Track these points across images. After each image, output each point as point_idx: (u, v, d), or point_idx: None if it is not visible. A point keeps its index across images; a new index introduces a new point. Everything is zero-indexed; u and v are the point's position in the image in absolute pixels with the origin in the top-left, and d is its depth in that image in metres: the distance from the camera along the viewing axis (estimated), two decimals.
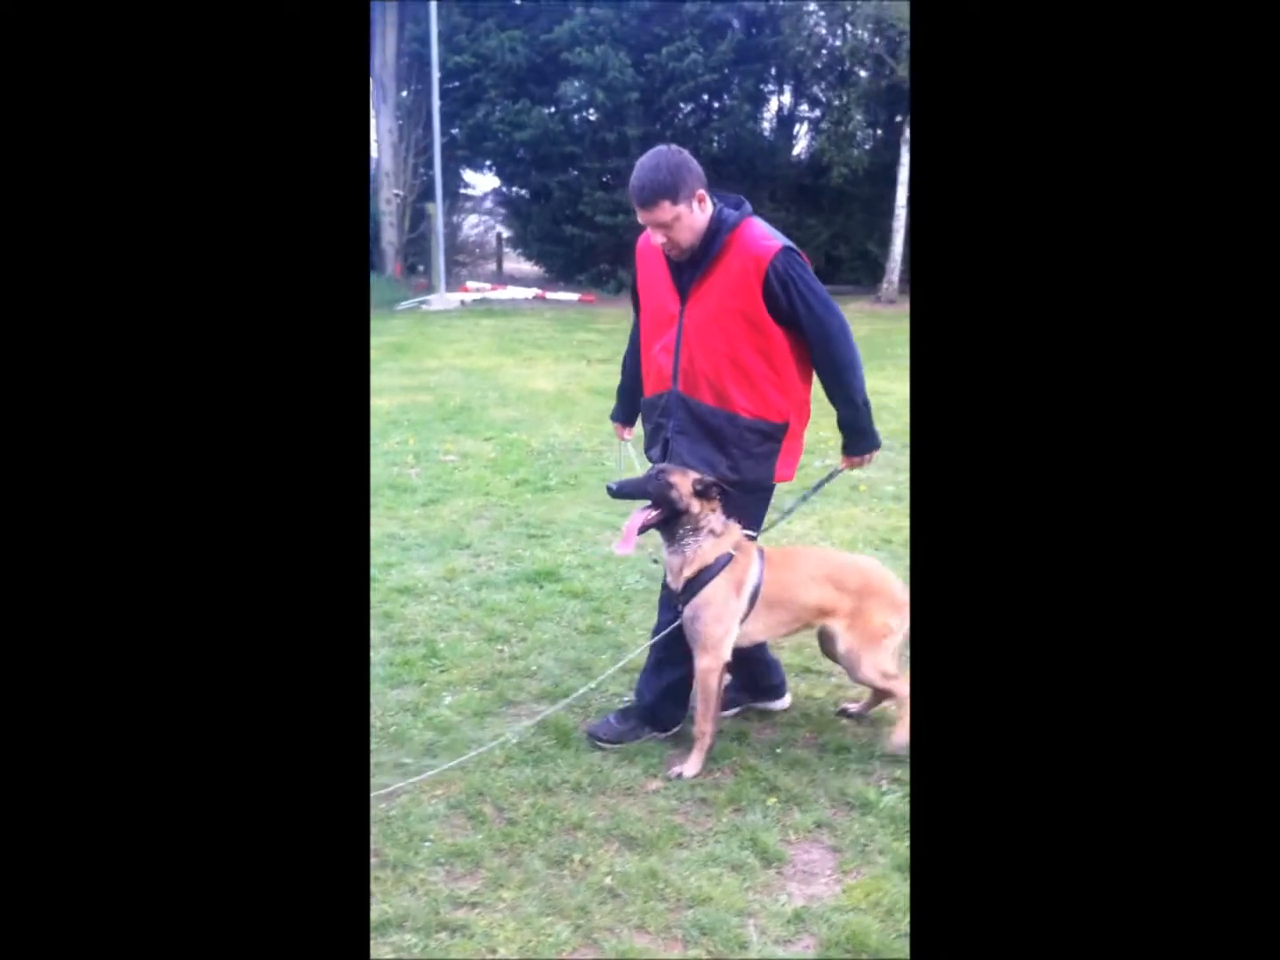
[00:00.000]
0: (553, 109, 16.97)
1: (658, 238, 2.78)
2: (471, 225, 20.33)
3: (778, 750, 2.91)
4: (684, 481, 2.79)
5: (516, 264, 19.52)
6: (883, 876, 2.33)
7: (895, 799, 2.65)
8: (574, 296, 17.02)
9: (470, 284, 17.36)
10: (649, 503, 2.81)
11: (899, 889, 2.28)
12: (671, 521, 2.82)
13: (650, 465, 2.99)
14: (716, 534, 2.83)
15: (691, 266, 2.82)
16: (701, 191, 2.74)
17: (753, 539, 2.92)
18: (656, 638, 3.00)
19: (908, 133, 16.33)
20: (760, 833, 2.49)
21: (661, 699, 3.02)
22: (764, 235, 2.76)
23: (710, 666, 2.83)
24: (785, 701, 3.24)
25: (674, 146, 2.79)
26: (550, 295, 17.07)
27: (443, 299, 15.93)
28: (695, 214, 2.74)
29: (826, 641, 3.03)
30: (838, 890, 2.30)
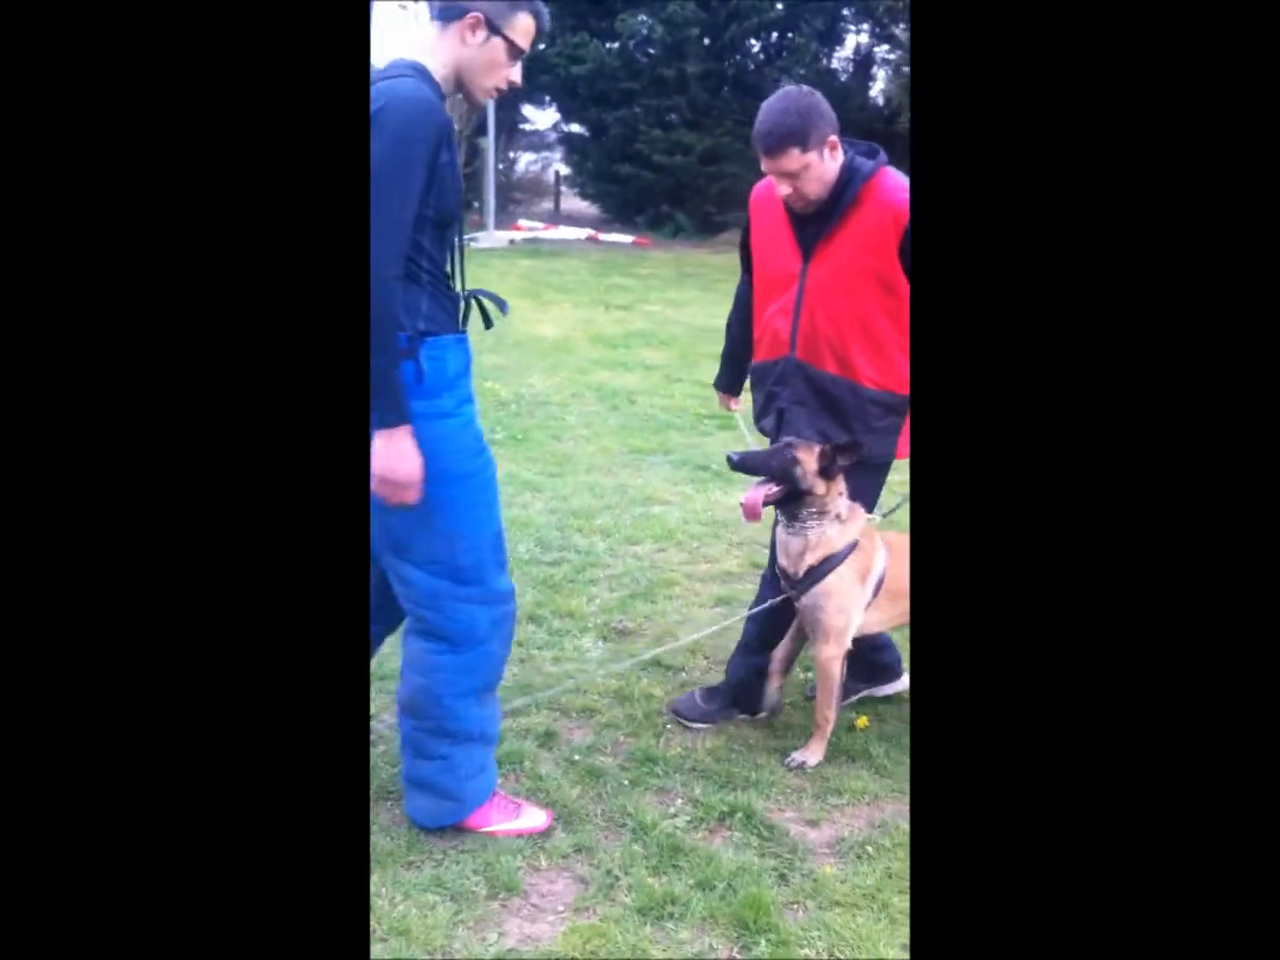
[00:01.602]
0: (615, 44, 16.42)
1: (783, 188, 2.53)
2: (530, 162, 19.95)
3: (576, 757, 2.64)
4: (810, 458, 2.57)
5: (575, 203, 19.13)
6: (616, 920, 2.06)
7: (680, 823, 2.37)
8: (628, 239, 16.60)
9: (523, 222, 17.08)
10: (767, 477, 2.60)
11: (629, 936, 2.01)
12: (793, 501, 2.61)
13: (762, 437, 2.80)
14: (842, 519, 2.62)
15: (818, 221, 2.57)
16: (834, 138, 2.50)
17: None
18: (753, 611, 2.86)
19: None
20: (505, 855, 2.23)
21: (754, 679, 2.87)
22: (903, 187, 2.51)
23: (833, 655, 2.65)
24: (903, 683, 3.06)
25: (804, 88, 2.53)
26: (604, 237, 16.68)
27: (491, 236, 15.67)
28: (826, 163, 2.50)
29: None
30: (558, 933, 2.03)
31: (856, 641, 2.73)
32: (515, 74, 2.12)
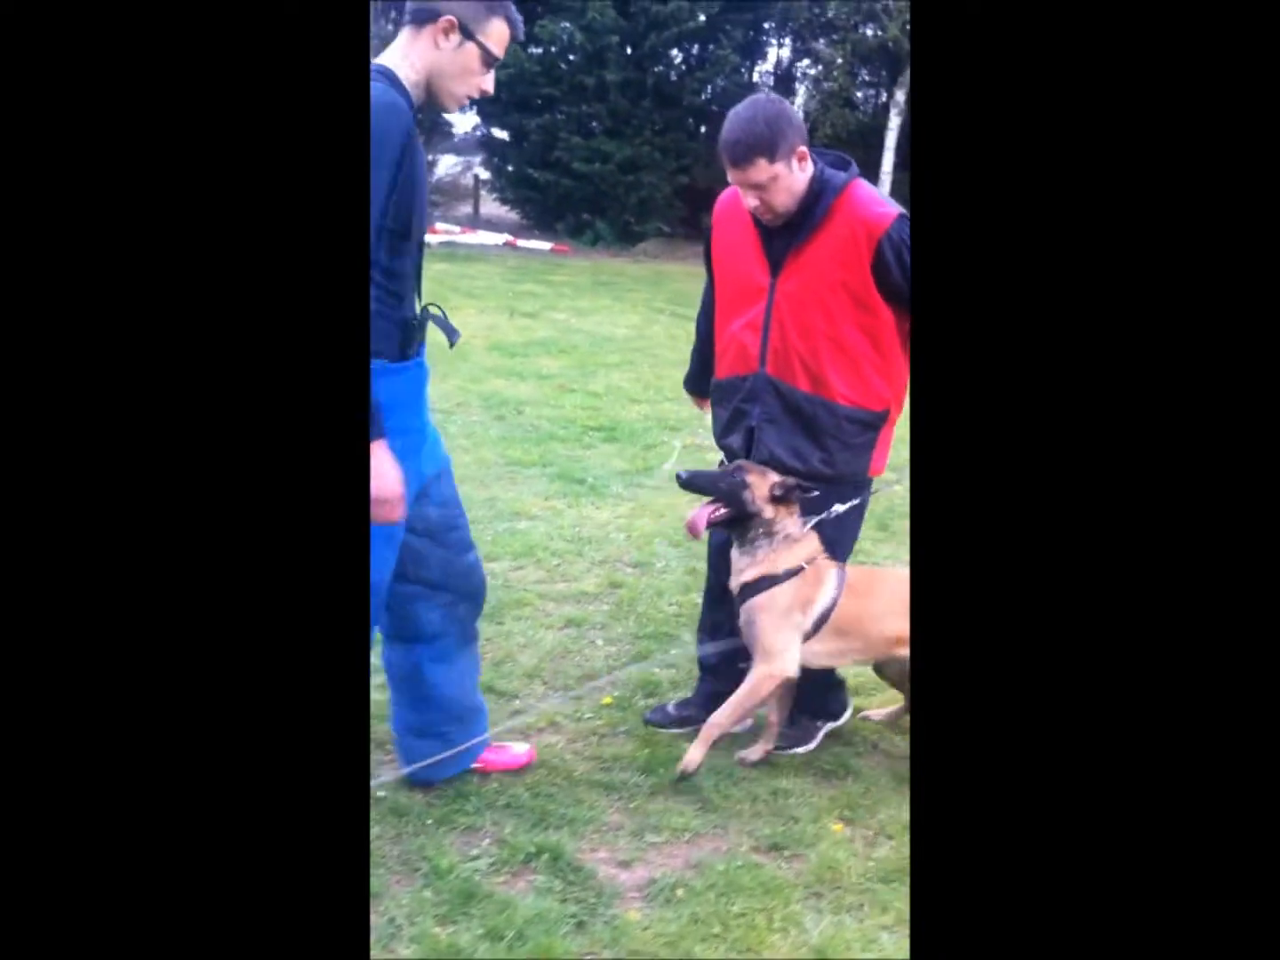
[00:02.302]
0: (538, 49, 16.26)
1: (749, 200, 2.45)
2: (450, 165, 19.68)
3: (381, 794, 2.47)
4: (761, 483, 2.53)
5: (495, 208, 18.91)
6: None
7: (480, 866, 2.23)
8: (547, 246, 16.39)
9: (440, 225, 16.77)
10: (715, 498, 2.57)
11: None
12: (741, 523, 2.56)
13: (725, 455, 2.74)
14: (794, 540, 2.57)
15: (787, 233, 2.50)
16: (803, 148, 2.43)
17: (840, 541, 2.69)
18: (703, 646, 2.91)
19: (899, 96, 15.64)
20: None
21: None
22: (876, 200, 2.47)
23: (767, 674, 2.56)
24: (847, 715, 2.99)
25: (772, 95, 2.46)
26: (522, 243, 16.44)
27: None
28: (795, 174, 2.43)
29: (889, 666, 2.81)
30: None
31: (806, 674, 2.64)
32: (487, 82, 2.05)
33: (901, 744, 2.90)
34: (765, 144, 2.35)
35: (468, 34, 1.98)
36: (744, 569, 2.59)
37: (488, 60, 2.02)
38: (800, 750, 2.82)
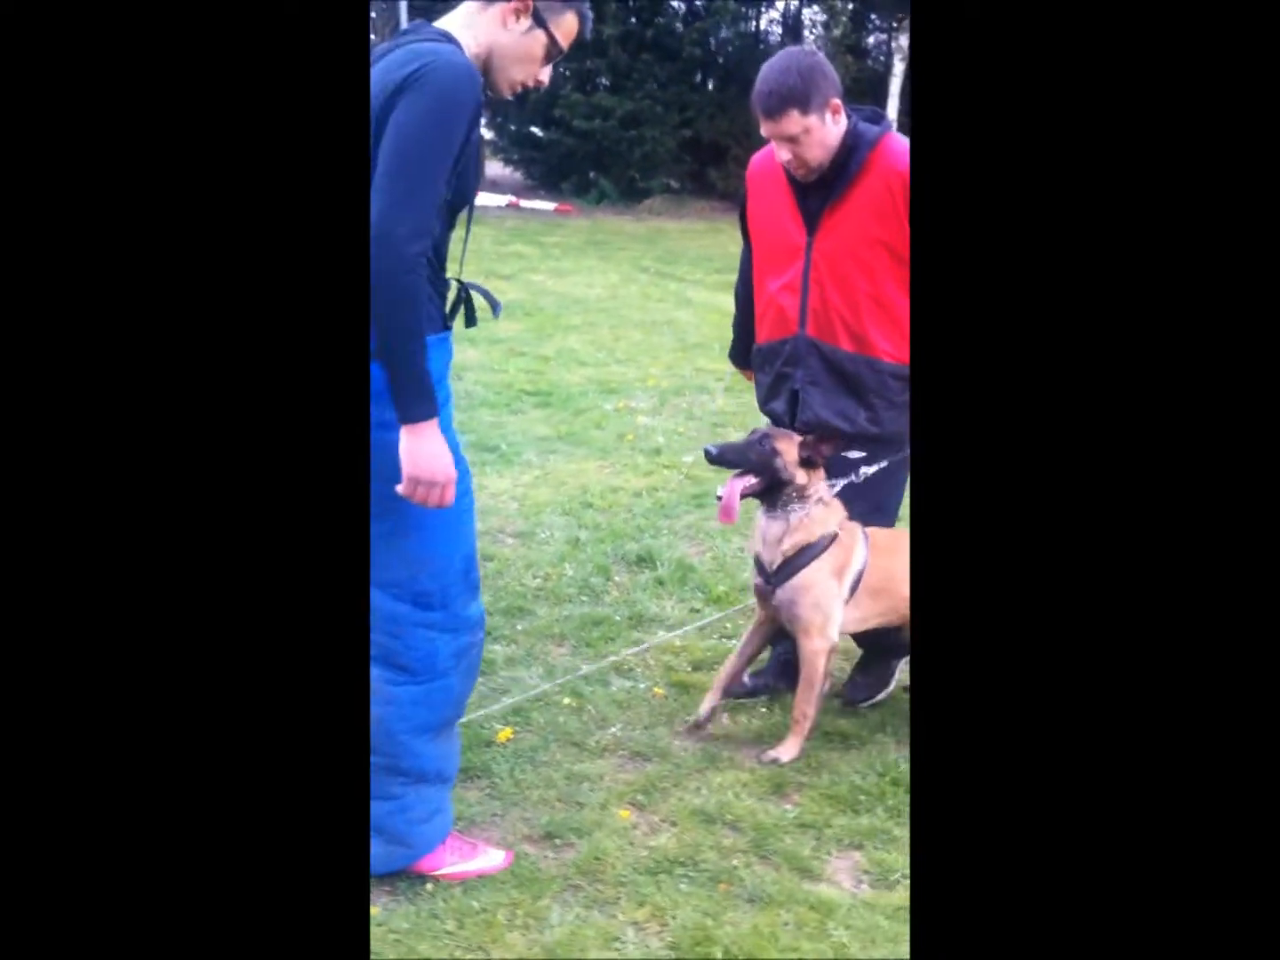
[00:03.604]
0: None
1: (782, 154, 2.43)
2: None
3: None
4: (790, 448, 2.51)
5: (500, 169, 18.68)
6: None
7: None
8: (550, 206, 16.18)
9: None
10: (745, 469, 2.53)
11: None
12: (773, 490, 2.53)
13: (770, 420, 2.72)
14: (825, 502, 2.56)
15: (821, 190, 2.47)
16: (836, 101, 2.40)
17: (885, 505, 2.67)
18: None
19: (902, 40, 15.15)
20: None
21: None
22: (909, 153, 2.39)
23: (818, 648, 2.57)
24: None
25: (806, 47, 2.42)
26: (525, 204, 16.23)
27: None
28: (828, 127, 2.40)
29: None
30: None
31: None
32: (544, 74, 1.99)
33: (728, 722, 2.77)
34: (798, 95, 2.32)
35: (540, 20, 1.89)
36: (779, 537, 2.56)
37: (552, 51, 1.94)
38: (880, 696, 2.84)
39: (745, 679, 2.90)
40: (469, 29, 1.89)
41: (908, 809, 2.41)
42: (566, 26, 1.95)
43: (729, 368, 3.23)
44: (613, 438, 5.17)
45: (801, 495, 2.54)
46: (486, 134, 18.42)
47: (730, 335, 3.03)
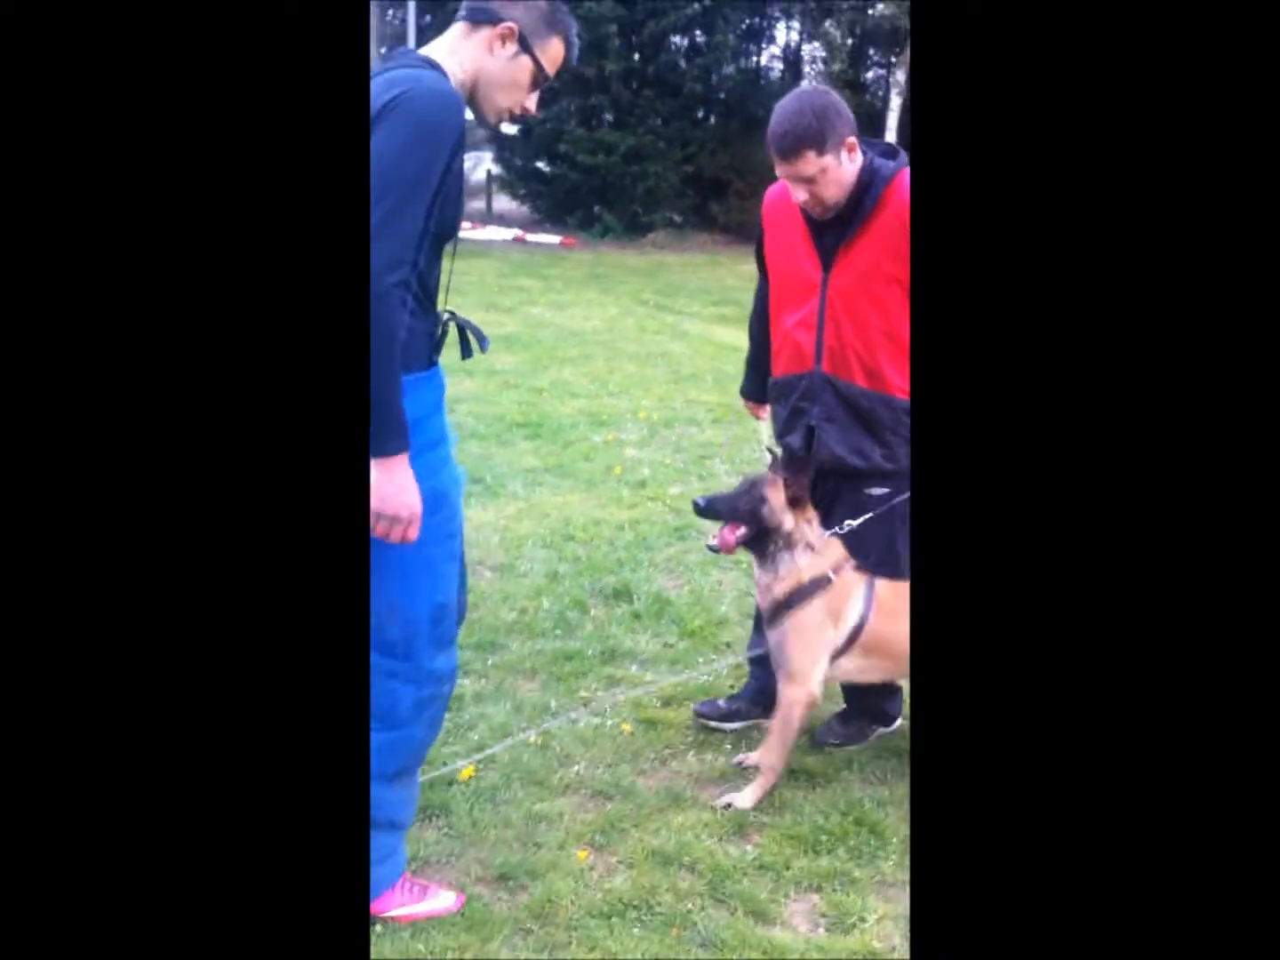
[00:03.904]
0: None
1: (799, 194, 2.43)
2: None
3: None
4: (777, 495, 2.52)
5: (508, 204, 18.84)
6: None
7: None
8: (556, 239, 16.30)
9: None
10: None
11: None
12: (762, 537, 2.53)
13: (785, 453, 2.71)
14: (814, 548, 2.53)
15: (838, 227, 2.47)
16: (852, 139, 2.39)
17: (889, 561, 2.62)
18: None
19: (899, 75, 15.26)
20: None
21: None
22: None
23: (796, 698, 2.52)
24: (899, 723, 2.94)
25: (820, 86, 2.44)
26: (531, 237, 16.35)
27: None
28: (844, 165, 2.40)
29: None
30: None
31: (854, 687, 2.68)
32: (531, 101, 1.97)
33: (694, 762, 2.73)
34: (814, 136, 2.31)
35: (525, 46, 1.88)
36: (770, 585, 2.55)
37: (538, 78, 1.93)
38: (853, 747, 2.83)
39: (720, 701, 2.91)
40: (454, 55, 1.88)
41: (870, 850, 2.38)
42: (553, 53, 1.93)
43: (737, 403, 3.24)
44: (600, 470, 5.16)
45: (789, 543, 2.52)
46: (494, 169, 18.64)
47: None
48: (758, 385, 2.92)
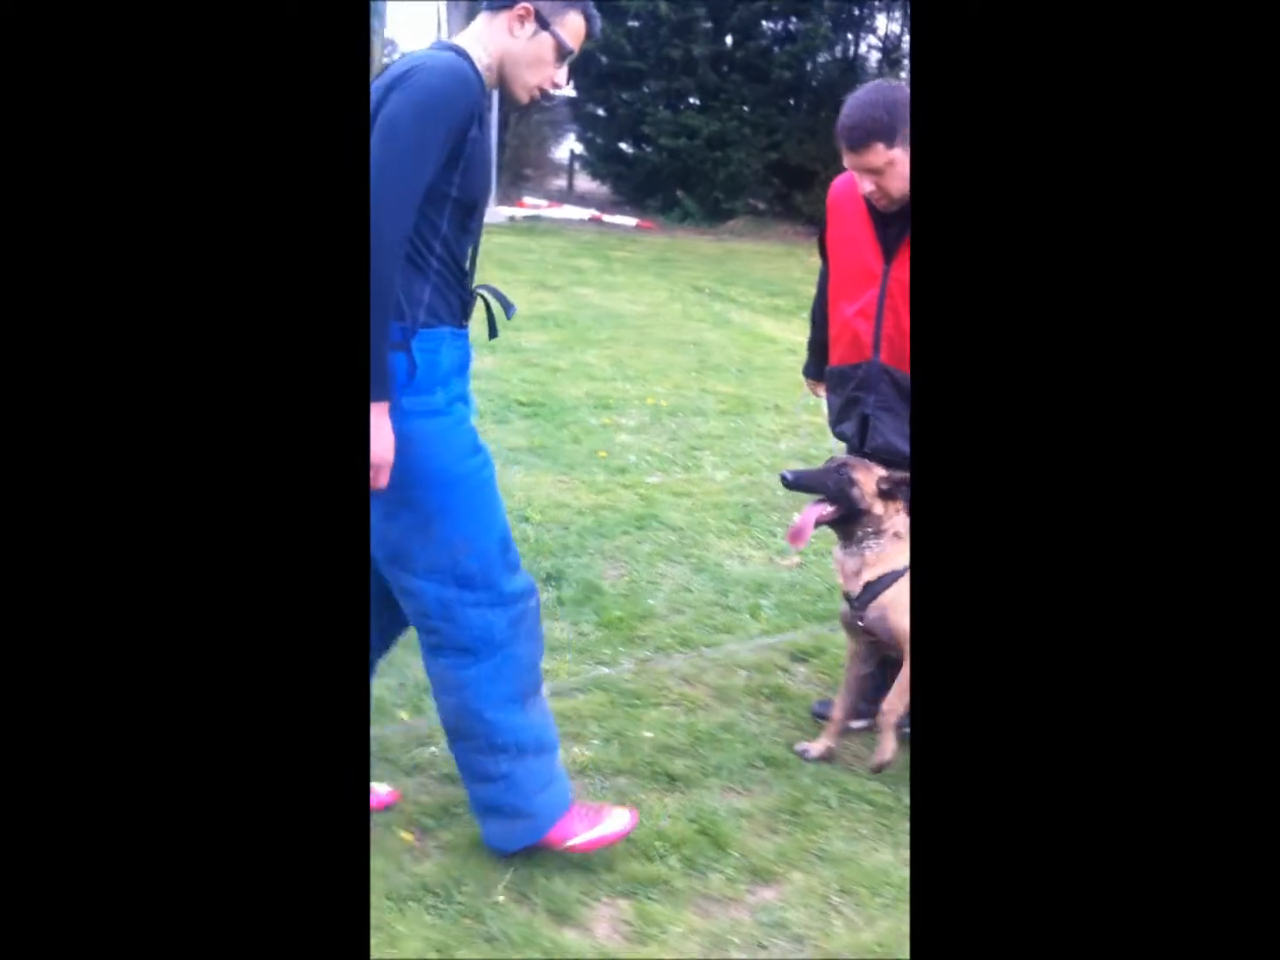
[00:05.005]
0: (636, 22, 16.05)
1: (865, 185, 2.49)
2: (545, 139, 19.69)
3: None
4: (868, 479, 2.55)
5: (590, 184, 18.84)
6: None
7: None
8: (633, 221, 16.25)
9: (528, 199, 16.84)
10: (823, 497, 2.57)
11: None
12: (850, 520, 2.57)
13: (842, 441, 2.79)
14: (901, 536, 2.57)
15: (901, 220, 2.51)
16: None
17: None
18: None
19: None
20: None
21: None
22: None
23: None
24: None
25: (893, 81, 2.51)
26: (608, 218, 16.35)
27: (493, 212, 15.45)
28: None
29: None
30: None
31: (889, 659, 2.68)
32: (560, 75, 2.06)
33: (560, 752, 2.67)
34: (884, 129, 2.36)
35: (543, 23, 1.99)
36: (857, 570, 2.59)
37: (561, 52, 2.03)
38: (856, 725, 2.84)
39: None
40: (479, 42, 2.00)
41: (704, 861, 2.30)
42: (572, 27, 2.02)
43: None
44: (584, 453, 5.11)
45: (878, 529, 2.56)
46: (577, 148, 18.66)
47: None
48: (819, 366, 2.97)
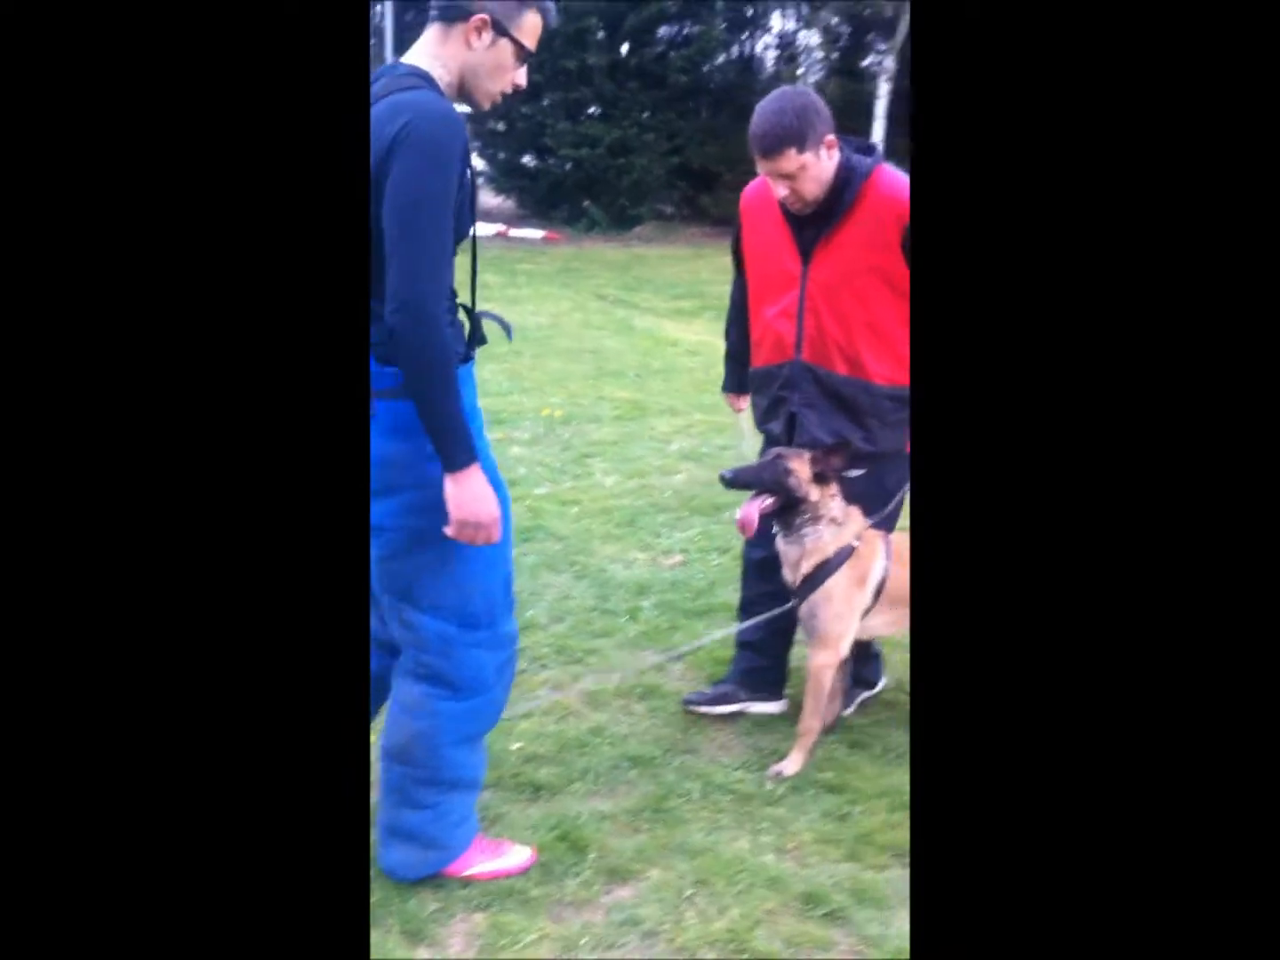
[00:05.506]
0: None
1: (779, 190, 2.54)
2: None
3: None
4: (802, 467, 2.64)
5: (493, 199, 18.80)
6: None
7: None
8: (540, 234, 16.24)
9: None
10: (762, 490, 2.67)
11: None
12: (788, 510, 2.67)
13: (766, 440, 2.86)
14: (838, 522, 2.67)
15: (816, 221, 2.59)
16: (831, 137, 2.51)
17: (892, 517, 2.79)
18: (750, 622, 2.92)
19: (888, 63, 15.06)
20: None
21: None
22: (902, 183, 2.52)
23: (826, 663, 2.69)
24: (883, 682, 3.14)
25: (799, 87, 2.57)
26: (514, 232, 16.30)
27: None
28: (823, 162, 2.51)
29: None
30: None
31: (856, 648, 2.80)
32: (520, 76, 2.03)
33: None
34: (794, 135, 2.41)
35: (501, 31, 1.92)
36: (797, 559, 2.68)
37: (521, 55, 1.98)
38: (844, 713, 2.96)
39: (707, 689, 3.02)
40: (438, 60, 1.93)
41: (562, 867, 2.31)
42: (529, 27, 1.96)
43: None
44: (575, 455, 5.13)
45: (815, 515, 2.65)
46: (479, 163, 18.60)
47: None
48: (736, 379, 3.05)
